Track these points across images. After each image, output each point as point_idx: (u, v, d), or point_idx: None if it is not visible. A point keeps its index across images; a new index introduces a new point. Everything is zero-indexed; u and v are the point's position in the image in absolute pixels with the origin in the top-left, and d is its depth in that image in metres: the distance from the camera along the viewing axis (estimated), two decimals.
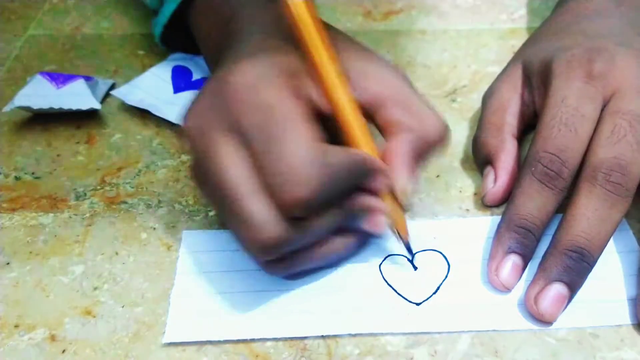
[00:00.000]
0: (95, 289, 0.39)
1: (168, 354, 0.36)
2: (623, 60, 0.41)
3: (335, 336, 0.36)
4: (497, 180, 0.42)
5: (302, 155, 0.33)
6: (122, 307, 0.38)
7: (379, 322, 0.37)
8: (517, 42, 0.55)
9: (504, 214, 0.39)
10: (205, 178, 0.36)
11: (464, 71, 0.54)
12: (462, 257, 0.40)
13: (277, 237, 0.34)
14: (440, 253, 0.40)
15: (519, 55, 0.47)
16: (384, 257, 0.40)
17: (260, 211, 0.34)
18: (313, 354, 0.36)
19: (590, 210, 0.37)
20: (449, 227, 0.42)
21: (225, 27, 0.43)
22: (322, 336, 0.37)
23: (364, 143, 0.37)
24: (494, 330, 0.36)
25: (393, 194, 0.37)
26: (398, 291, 0.38)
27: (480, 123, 0.45)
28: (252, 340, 0.36)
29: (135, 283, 0.40)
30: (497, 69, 0.49)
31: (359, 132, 0.37)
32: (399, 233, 0.39)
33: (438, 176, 0.45)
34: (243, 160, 0.34)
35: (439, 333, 0.36)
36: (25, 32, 0.61)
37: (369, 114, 0.38)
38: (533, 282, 0.37)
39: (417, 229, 0.41)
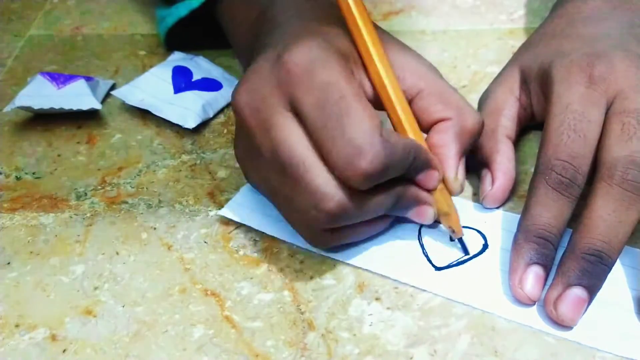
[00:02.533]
0: (95, 288, 0.40)
1: (168, 354, 0.36)
2: (622, 63, 0.41)
3: (334, 335, 0.37)
4: (495, 182, 0.42)
5: (365, 131, 0.35)
6: (123, 306, 0.38)
7: (398, 270, 0.39)
8: (517, 42, 0.55)
9: (520, 225, 0.39)
10: (258, 154, 0.37)
11: (463, 71, 0.54)
12: (503, 247, 0.40)
13: (342, 206, 0.36)
14: (481, 234, 0.41)
15: (515, 59, 0.47)
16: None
17: (327, 182, 0.36)
18: (313, 353, 0.36)
19: (608, 212, 0.37)
20: (503, 219, 0.42)
21: (262, 15, 0.44)
22: (322, 335, 0.37)
23: (414, 131, 0.39)
24: (494, 330, 0.37)
25: (446, 188, 0.39)
26: (426, 252, 0.40)
27: (482, 111, 0.45)
28: (290, 245, 0.41)
29: (135, 283, 0.40)
30: (497, 70, 0.49)
31: (409, 122, 0.39)
32: (452, 229, 0.40)
33: None
34: (303, 136, 0.36)
35: (439, 332, 0.37)
36: (25, 32, 0.61)
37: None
38: (552, 286, 0.37)
39: (474, 209, 0.42)
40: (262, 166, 0.38)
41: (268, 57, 0.38)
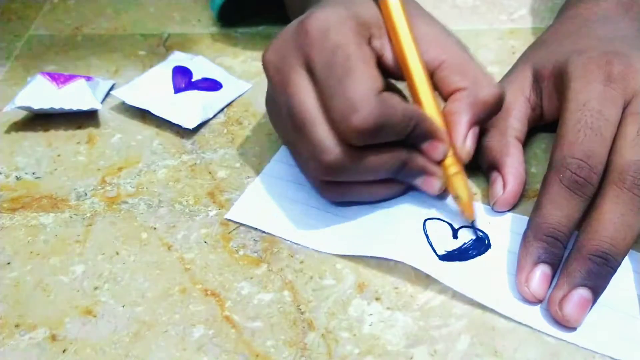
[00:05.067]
0: (95, 288, 0.40)
1: (168, 354, 0.36)
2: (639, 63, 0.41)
3: (334, 335, 0.37)
4: (507, 186, 0.42)
5: (363, 90, 0.37)
6: (123, 306, 0.38)
7: (402, 255, 0.39)
8: (517, 42, 0.56)
9: (530, 222, 0.39)
10: (279, 107, 0.41)
11: None
12: (507, 249, 0.40)
13: (339, 160, 0.38)
14: (483, 233, 0.41)
15: (526, 58, 0.47)
16: (431, 217, 0.42)
17: (326, 136, 0.38)
18: (313, 353, 0.36)
19: (617, 215, 0.37)
20: (506, 220, 0.42)
21: None
22: (322, 335, 0.37)
23: (428, 101, 0.40)
24: (494, 330, 0.37)
25: (462, 176, 0.41)
26: (431, 241, 0.40)
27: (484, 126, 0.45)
28: (290, 242, 0.41)
29: (135, 283, 0.40)
30: (497, 69, 0.49)
31: (425, 92, 0.40)
32: (465, 214, 0.41)
33: None
34: (313, 93, 0.39)
35: (439, 332, 0.37)
36: (25, 32, 0.61)
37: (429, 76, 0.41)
38: (557, 286, 0.37)
39: (477, 209, 0.42)
40: (281, 119, 0.41)
41: (295, 21, 0.41)
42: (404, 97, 0.41)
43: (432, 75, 0.41)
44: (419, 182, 0.41)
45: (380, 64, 0.41)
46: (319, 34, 0.39)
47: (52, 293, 0.39)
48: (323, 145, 0.38)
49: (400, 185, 0.42)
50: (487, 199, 0.43)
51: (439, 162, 0.41)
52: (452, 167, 0.40)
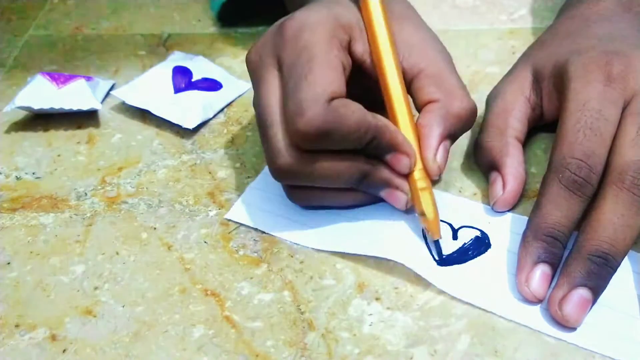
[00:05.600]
0: (95, 288, 0.40)
1: (168, 354, 0.36)
2: None
3: (334, 335, 0.37)
4: (506, 187, 0.42)
5: (315, 94, 0.36)
6: (123, 306, 0.38)
7: (403, 257, 0.39)
8: (517, 42, 0.56)
9: (529, 222, 0.39)
10: (255, 105, 0.41)
11: (463, 72, 0.53)
12: (507, 249, 0.40)
13: (288, 164, 0.38)
14: (483, 233, 0.41)
15: (526, 58, 0.47)
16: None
17: (280, 139, 0.38)
18: (313, 353, 0.36)
19: (617, 216, 0.37)
20: (506, 220, 0.42)
21: None
22: (322, 335, 0.37)
23: (400, 110, 0.40)
24: (494, 330, 0.37)
25: (429, 193, 0.40)
26: (429, 244, 0.40)
27: (484, 126, 0.45)
28: (290, 242, 0.41)
29: (135, 283, 0.40)
30: (497, 70, 0.49)
31: (398, 99, 0.40)
32: (430, 232, 0.40)
33: None
34: (279, 94, 0.39)
35: (439, 332, 0.37)
36: (25, 32, 0.61)
37: (406, 83, 0.41)
38: (556, 286, 0.37)
39: (477, 209, 0.42)
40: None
41: (281, 21, 0.41)
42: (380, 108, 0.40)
43: (409, 83, 0.41)
44: (383, 194, 0.40)
45: (362, 70, 0.41)
46: (292, 35, 0.39)
47: (52, 293, 0.39)
48: (276, 148, 0.38)
49: (367, 195, 0.41)
50: (487, 198, 0.43)
51: (406, 176, 0.40)
52: (421, 181, 0.39)
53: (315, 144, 0.37)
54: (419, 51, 0.41)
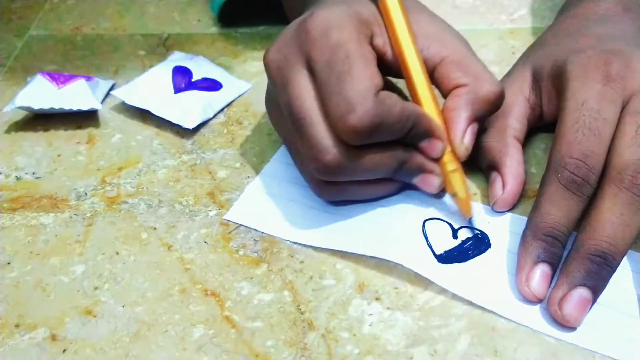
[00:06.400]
0: (95, 288, 0.40)
1: (168, 354, 0.36)
2: (639, 62, 0.41)
3: (334, 335, 0.37)
4: (506, 187, 0.42)
5: (361, 89, 0.37)
6: (123, 306, 0.39)
7: (403, 257, 0.39)
8: (517, 42, 0.56)
9: (529, 222, 0.39)
10: (280, 107, 0.41)
11: None
12: (506, 248, 0.40)
13: (336, 160, 0.38)
14: (484, 234, 0.41)
15: (525, 58, 0.47)
16: (430, 218, 0.42)
17: (324, 136, 0.38)
18: (313, 353, 0.36)
19: (615, 215, 0.37)
20: (507, 220, 0.42)
21: None
22: (322, 335, 0.37)
23: (426, 98, 0.40)
24: (494, 330, 0.37)
25: (460, 173, 0.41)
26: (430, 243, 0.40)
27: (483, 126, 0.45)
28: (290, 242, 0.41)
29: (135, 283, 0.40)
30: (497, 70, 0.49)
31: (423, 87, 0.40)
32: (463, 211, 0.41)
33: None
34: (313, 92, 0.39)
35: (439, 332, 0.37)
36: (25, 32, 0.61)
37: (429, 72, 0.41)
38: (556, 286, 0.37)
39: (477, 209, 0.42)
40: (282, 119, 0.41)
41: (297, 21, 0.41)
42: (404, 96, 0.41)
43: (433, 72, 0.41)
44: (417, 180, 0.41)
45: (383, 63, 0.41)
46: (320, 33, 0.39)
47: (52, 293, 0.39)
48: (321, 145, 0.38)
49: (396, 183, 0.42)
50: (487, 199, 0.43)
51: (437, 160, 0.41)
52: (450, 164, 0.40)
53: (367, 138, 0.38)
54: (439, 40, 0.41)
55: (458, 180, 0.41)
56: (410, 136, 0.39)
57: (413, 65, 0.40)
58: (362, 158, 0.39)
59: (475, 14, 0.60)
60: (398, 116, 0.38)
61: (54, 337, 0.37)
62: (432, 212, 0.42)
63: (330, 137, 0.38)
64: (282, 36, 0.41)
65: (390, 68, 0.41)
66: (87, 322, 0.38)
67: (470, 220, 0.41)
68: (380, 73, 0.39)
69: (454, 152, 0.40)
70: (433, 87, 0.42)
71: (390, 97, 0.38)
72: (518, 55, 0.49)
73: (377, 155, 0.39)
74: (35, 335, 0.37)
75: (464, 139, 0.40)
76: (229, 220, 0.43)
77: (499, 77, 0.47)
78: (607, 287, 0.37)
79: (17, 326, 0.38)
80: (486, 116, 0.41)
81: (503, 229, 0.41)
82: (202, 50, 0.57)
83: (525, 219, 0.39)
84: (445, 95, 0.41)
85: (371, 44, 0.40)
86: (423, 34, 0.41)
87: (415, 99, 0.41)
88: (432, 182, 0.41)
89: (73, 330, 0.37)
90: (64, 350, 0.37)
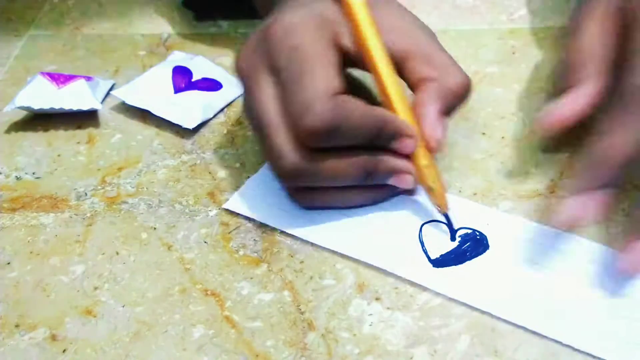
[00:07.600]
0: (95, 288, 0.40)
1: (168, 354, 0.36)
2: None
3: (334, 335, 0.37)
4: (569, 104, 0.40)
5: (319, 91, 0.37)
6: (123, 306, 0.39)
7: (397, 264, 0.39)
8: (517, 42, 0.56)
9: (591, 147, 0.37)
10: (249, 113, 0.41)
11: None
12: (505, 251, 0.40)
13: (295, 165, 0.38)
14: (483, 235, 0.41)
15: None
16: (429, 220, 0.42)
17: (284, 142, 0.38)
18: (313, 353, 0.36)
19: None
20: (506, 221, 0.41)
21: None
22: (322, 335, 0.37)
23: (395, 94, 0.40)
24: (494, 330, 0.37)
25: (433, 167, 0.40)
26: (426, 249, 0.40)
27: (569, 48, 0.42)
28: (290, 235, 0.41)
29: (135, 283, 0.40)
30: (497, 69, 0.49)
31: (389, 82, 0.40)
32: (438, 205, 0.40)
33: None
34: (276, 97, 0.39)
35: (439, 332, 0.37)
36: (25, 32, 0.61)
37: (396, 68, 0.41)
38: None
39: (476, 211, 0.42)
40: (252, 124, 0.41)
41: (261, 27, 0.41)
42: (373, 100, 0.40)
43: (401, 66, 0.41)
44: (391, 181, 0.41)
45: (354, 61, 0.41)
46: (279, 37, 0.39)
47: (52, 293, 0.39)
48: (280, 150, 0.38)
49: (373, 192, 0.41)
50: (487, 200, 0.43)
51: (408, 156, 0.40)
52: (423, 158, 0.40)
53: (323, 140, 0.37)
54: (404, 34, 0.41)
55: (432, 174, 0.40)
56: (379, 141, 0.39)
57: (378, 61, 0.40)
58: (320, 162, 0.38)
59: (475, 14, 0.60)
60: (358, 121, 0.37)
61: (54, 337, 0.37)
62: (430, 214, 0.42)
63: (291, 142, 0.38)
64: (248, 42, 0.41)
65: (359, 67, 0.41)
66: (87, 322, 0.38)
67: (446, 215, 0.41)
68: (341, 76, 0.38)
69: (426, 146, 0.40)
70: (401, 81, 0.41)
71: (351, 101, 0.38)
72: (518, 55, 0.49)
73: (339, 161, 0.38)
74: (35, 335, 0.37)
75: (435, 132, 0.40)
76: (228, 210, 0.43)
77: (499, 77, 0.47)
78: (610, 291, 0.37)
79: (17, 326, 0.38)
80: (456, 108, 0.41)
81: (502, 231, 0.41)
82: (202, 50, 0.57)
83: (525, 221, 0.39)
84: (413, 89, 0.41)
85: (338, 44, 0.40)
86: (389, 28, 0.41)
87: (383, 95, 0.40)
88: (406, 180, 0.40)
89: (73, 330, 0.37)
90: (64, 350, 0.37)
